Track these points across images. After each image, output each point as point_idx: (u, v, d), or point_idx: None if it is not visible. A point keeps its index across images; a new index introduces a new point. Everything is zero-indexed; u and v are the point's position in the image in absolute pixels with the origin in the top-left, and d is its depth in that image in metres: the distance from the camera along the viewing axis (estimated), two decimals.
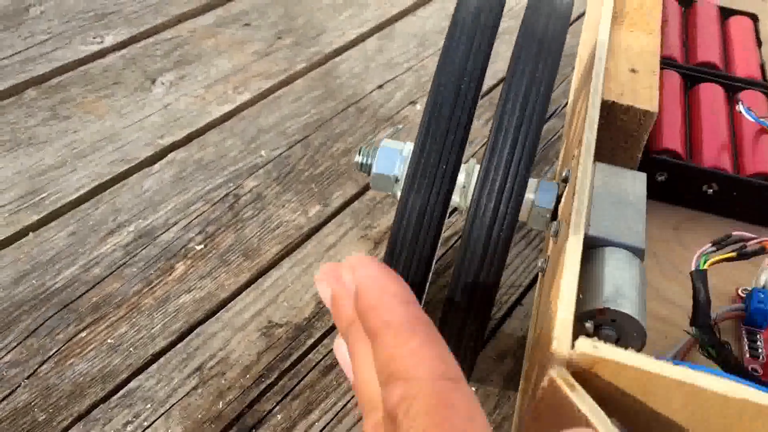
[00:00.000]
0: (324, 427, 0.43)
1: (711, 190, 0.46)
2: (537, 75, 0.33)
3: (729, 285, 0.43)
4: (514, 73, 0.33)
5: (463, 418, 0.22)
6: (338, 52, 0.77)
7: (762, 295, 0.40)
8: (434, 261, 0.35)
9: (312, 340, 0.48)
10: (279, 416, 0.43)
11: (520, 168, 0.32)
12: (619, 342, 0.36)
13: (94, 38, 0.73)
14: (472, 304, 0.34)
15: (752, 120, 0.46)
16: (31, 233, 0.53)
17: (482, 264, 0.33)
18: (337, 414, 0.44)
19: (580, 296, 0.36)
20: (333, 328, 0.49)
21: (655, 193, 0.47)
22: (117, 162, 0.60)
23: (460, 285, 0.33)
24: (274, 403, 0.44)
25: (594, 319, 0.35)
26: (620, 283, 0.36)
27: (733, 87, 0.53)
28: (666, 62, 0.53)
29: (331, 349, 0.47)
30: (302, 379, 0.45)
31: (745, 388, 0.28)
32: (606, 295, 0.35)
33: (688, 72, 0.53)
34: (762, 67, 0.56)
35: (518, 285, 0.53)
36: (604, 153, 0.46)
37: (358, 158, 0.43)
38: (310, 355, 0.47)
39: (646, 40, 0.48)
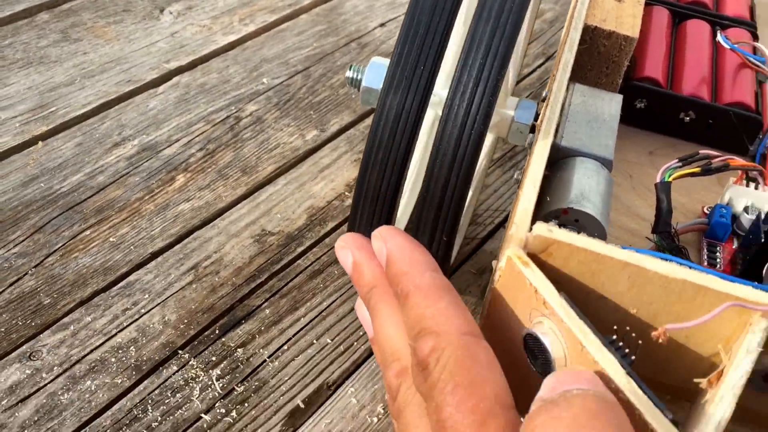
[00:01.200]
0: (308, 323, 0.46)
1: (688, 118, 0.48)
2: None
3: (697, 204, 0.45)
4: None
5: (484, 367, 0.27)
6: None
7: (724, 211, 0.42)
8: (410, 162, 0.37)
9: (302, 248, 0.51)
10: (267, 311, 0.46)
11: (492, 71, 0.35)
12: None
13: None
14: (444, 199, 0.36)
15: (728, 47, 0.48)
16: (40, 142, 0.56)
17: (454, 160, 0.35)
18: (321, 312, 0.47)
19: (548, 199, 0.39)
20: (322, 238, 0.52)
21: (634, 119, 0.49)
22: (123, 82, 0.63)
23: (433, 181, 0.36)
24: (263, 300, 0.47)
25: (558, 219, 0.38)
26: (585, 188, 0.39)
27: (720, 24, 0.54)
28: None
29: (320, 256, 0.50)
30: (290, 281, 0.48)
31: (685, 269, 0.31)
32: (571, 197, 0.38)
33: (677, 8, 0.55)
34: (751, 8, 0.57)
35: (502, 209, 0.56)
36: (588, 77, 0.48)
37: (349, 73, 0.45)
38: (299, 261, 0.50)
39: None
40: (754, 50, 0.52)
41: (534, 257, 0.33)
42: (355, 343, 0.45)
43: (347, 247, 0.35)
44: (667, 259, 0.32)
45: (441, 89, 0.43)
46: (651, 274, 0.31)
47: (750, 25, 0.55)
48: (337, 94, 0.65)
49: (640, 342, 0.31)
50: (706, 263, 0.41)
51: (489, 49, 0.35)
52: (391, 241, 0.33)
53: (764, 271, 0.37)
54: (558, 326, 0.30)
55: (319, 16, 0.75)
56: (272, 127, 0.61)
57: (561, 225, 0.38)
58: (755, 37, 0.54)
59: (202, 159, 0.57)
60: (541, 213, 0.39)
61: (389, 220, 0.38)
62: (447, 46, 0.36)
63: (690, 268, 0.31)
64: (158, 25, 0.70)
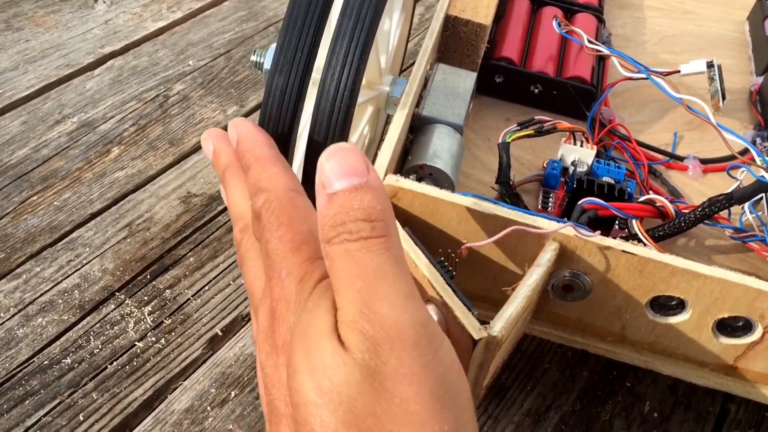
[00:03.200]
0: (226, 268, 0.55)
1: (537, 90, 0.58)
2: None
3: (540, 160, 0.55)
4: None
5: (302, 212, 0.35)
6: None
7: (555, 164, 0.52)
8: (297, 132, 0.46)
9: (221, 207, 0.60)
10: (191, 258, 0.55)
11: (355, 57, 0.44)
12: None
13: None
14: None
15: (558, 32, 0.58)
16: None
17: (328, 128, 0.45)
18: None
19: (410, 157, 0.49)
20: None
21: (494, 92, 0.59)
22: (62, 66, 0.70)
23: (312, 146, 0.45)
24: (188, 250, 0.56)
25: (416, 173, 0.48)
26: (438, 149, 0.48)
27: (571, 10, 0.64)
28: None
29: None
30: (212, 234, 0.57)
31: (496, 207, 0.41)
32: (426, 156, 0.48)
33: None
34: None
35: None
36: (454, 58, 0.57)
37: (253, 57, 0.54)
38: (219, 217, 0.59)
39: None
40: (597, 33, 0.63)
41: None
42: None
43: (209, 138, 0.42)
44: (485, 200, 0.42)
45: (319, 72, 0.53)
46: (472, 211, 0.41)
47: (596, 10, 0.65)
48: (256, 73, 0.74)
49: (457, 260, 0.41)
50: (540, 206, 0.52)
51: (351, 39, 0.44)
52: (240, 127, 0.41)
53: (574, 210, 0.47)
54: None
55: (240, 3, 0.83)
56: (197, 104, 0.69)
57: (419, 178, 0.48)
58: (601, 21, 0.64)
59: (135, 133, 0.65)
60: (403, 168, 0.48)
61: None
62: (321, 37, 0.46)
63: (509, 207, 0.41)
64: (93, 14, 0.77)
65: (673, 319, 0.43)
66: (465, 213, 0.42)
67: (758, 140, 0.59)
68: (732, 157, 0.53)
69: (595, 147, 0.53)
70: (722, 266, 0.48)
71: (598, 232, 0.41)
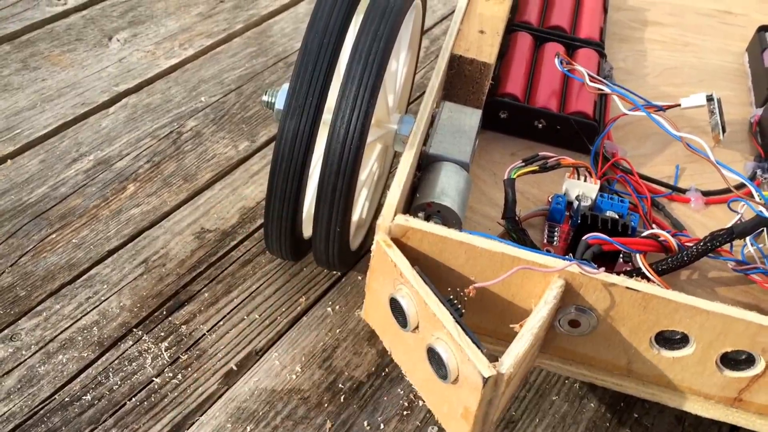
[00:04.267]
0: (240, 303, 0.57)
1: (540, 125, 0.60)
2: (379, 32, 0.46)
3: (545, 194, 0.57)
4: (362, 31, 0.46)
5: None
6: (272, 14, 0.89)
7: (560, 199, 0.54)
8: (308, 171, 0.48)
9: (235, 242, 0.61)
10: (206, 294, 0.57)
11: (363, 100, 0.46)
12: None
13: (58, 0, 0.84)
14: (334, 199, 0.47)
15: (560, 69, 0.59)
16: (9, 160, 0.65)
17: (339, 168, 0.46)
18: (251, 294, 0.57)
19: (417, 195, 0.50)
20: (252, 233, 0.62)
21: (499, 127, 0.61)
22: (79, 105, 0.72)
23: (324, 186, 0.47)
24: (203, 286, 0.57)
25: (425, 211, 0.49)
26: (446, 186, 0.50)
27: (573, 46, 0.66)
28: (522, 26, 0.67)
29: (250, 248, 0.61)
30: (225, 269, 0.59)
31: (502, 245, 0.43)
32: (433, 194, 0.49)
33: (538, 33, 0.66)
34: (601, 29, 0.69)
35: None
36: (459, 96, 0.59)
37: (265, 98, 0.56)
38: (232, 252, 0.60)
39: (497, 8, 0.62)
40: (599, 67, 0.64)
41: (397, 241, 0.44)
42: (279, 317, 0.56)
43: None
44: (492, 238, 0.43)
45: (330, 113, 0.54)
46: (479, 250, 0.43)
47: (598, 45, 0.67)
48: (266, 109, 0.75)
49: (465, 299, 0.42)
50: (545, 240, 0.53)
51: (360, 83, 0.46)
52: None
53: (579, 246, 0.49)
54: (411, 291, 0.41)
55: (250, 39, 0.85)
56: (209, 140, 0.71)
57: (428, 216, 0.50)
58: (602, 56, 0.66)
59: (149, 170, 0.67)
60: (412, 206, 0.50)
61: (294, 217, 0.49)
62: (332, 80, 0.47)
63: (515, 246, 0.43)
64: (107, 52, 0.80)
65: (678, 354, 0.44)
66: (473, 251, 0.43)
67: (758, 171, 0.60)
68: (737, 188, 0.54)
69: (598, 182, 0.54)
70: (725, 298, 0.50)
71: (603, 269, 0.43)
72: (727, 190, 0.56)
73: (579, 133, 0.59)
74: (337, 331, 0.56)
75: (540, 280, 0.43)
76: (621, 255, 0.51)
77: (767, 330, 0.41)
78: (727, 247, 0.51)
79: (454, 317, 0.40)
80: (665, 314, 0.42)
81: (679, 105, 0.61)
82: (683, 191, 0.58)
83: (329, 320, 0.56)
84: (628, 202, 0.54)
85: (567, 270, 0.42)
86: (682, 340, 0.44)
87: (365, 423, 0.50)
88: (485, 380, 0.37)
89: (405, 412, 0.51)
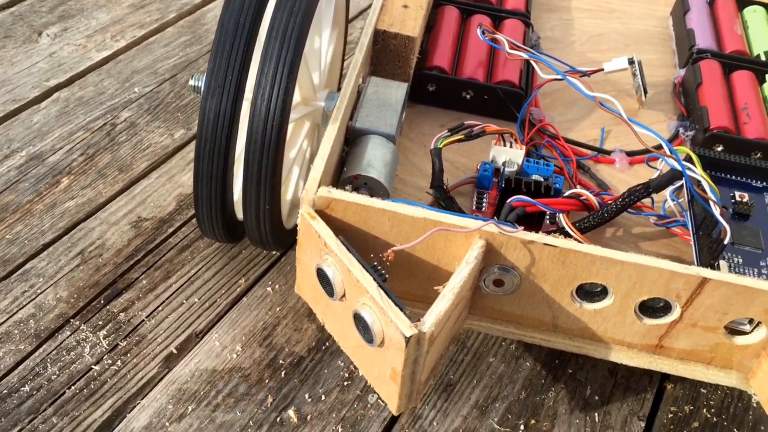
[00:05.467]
0: (179, 288, 0.57)
1: (468, 96, 0.61)
2: (295, 8, 0.47)
3: (474, 163, 0.58)
4: (278, 7, 0.47)
5: None
6: (206, 2, 0.89)
7: (487, 166, 0.55)
8: (234, 151, 0.48)
9: (172, 229, 0.61)
10: (144, 281, 0.57)
11: (283, 77, 0.46)
12: None
13: None
14: (260, 177, 0.48)
15: (482, 39, 0.60)
16: None
17: (263, 146, 0.47)
18: (190, 278, 0.58)
19: (345, 169, 0.51)
20: (190, 219, 0.62)
21: (428, 100, 0.62)
22: (9, 102, 0.71)
23: (249, 165, 0.47)
24: (140, 273, 0.57)
25: (352, 184, 0.50)
26: (372, 159, 0.51)
27: (499, 17, 0.67)
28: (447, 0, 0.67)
29: (188, 234, 0.61)
30: (163, 256, 0.59)
31: (423, 210, 0.43)
32: (359, 166, 0.50)
33: (465, 6, 0.67)
34: (527, 0, 0.71)
35: None
36: (387, 70, 0.59)
37: (191, 82, 0.56)
38: (170, 239, 0.60)
39: None
40: (524, 37, 0.65)
41: (322, 213, 0.45)
42: (218, 300, 0.57)
43: None
44: (413, 204, 0.44)
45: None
46: (402, 216, 0.44)
47: (524, 15, 0.68)
48: (195, 94, 0.75)
49: (388, 263, 0.43)
50: (474, 207, 0.54)
51: (279, 59, 0.46)
52: None
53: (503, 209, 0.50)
54: (335, 260, 0.42)
55: (183, 28, 0.84)
56: (144, 130, 0.71)
57: (355, 188, 0.51)
58: (528, 25, 0.67)
59: (84, 162, 0.66)
60: (339, 180, 0.51)
61: (224, 199, 0.49)
62: (251, 58, 0.48)
63: (432, 211, 0.44)
64: (37, 48, 0.79)
65: (598, 305, 0.45)
66: (396, 218, 0.44)
67: (681, 130, 0.62)
68: (657, 148, 0.56)
69: (524, 147, 0.55)
70: (649, 252, 0.51)
71: (522, 228, 0.44)
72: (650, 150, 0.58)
73: (506, 102, 0.61)
74: (278, 309, 0.56)
75: (462, 242, 0.44)
76: (547, 216, 0.52)
77: (679, 276, 0.42)
78: (649, 203, 0.53)
79: (377, 282, 0.40)
80: (583, 267, 0.43)
81: (603, 69, 0.63)
82: (608, 152, 0.60)
83: (269, 299, 0.57)
84: (553, 166, 0.55)
85: (486, 230, 0.43)
86: (602, 293, 0.45)
87: (306, 395, 0.51)
88: (407, 339, 0.38)
89: (346, 383, 0.52)
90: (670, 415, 0.53)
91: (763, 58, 0.67)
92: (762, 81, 0.64)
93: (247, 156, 0.47)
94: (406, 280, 0.47)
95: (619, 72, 0.63)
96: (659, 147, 0.54)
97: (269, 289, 0.58)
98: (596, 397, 0.53)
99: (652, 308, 0.45)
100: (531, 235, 0.43)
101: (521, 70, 0.62)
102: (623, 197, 0.49)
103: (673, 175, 0.48)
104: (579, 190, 0.51)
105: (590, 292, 0.46)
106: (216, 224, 0.51)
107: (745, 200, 0.53)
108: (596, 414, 0.52)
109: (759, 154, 0.58)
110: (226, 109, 0.47)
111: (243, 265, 0.59)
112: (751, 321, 0.45)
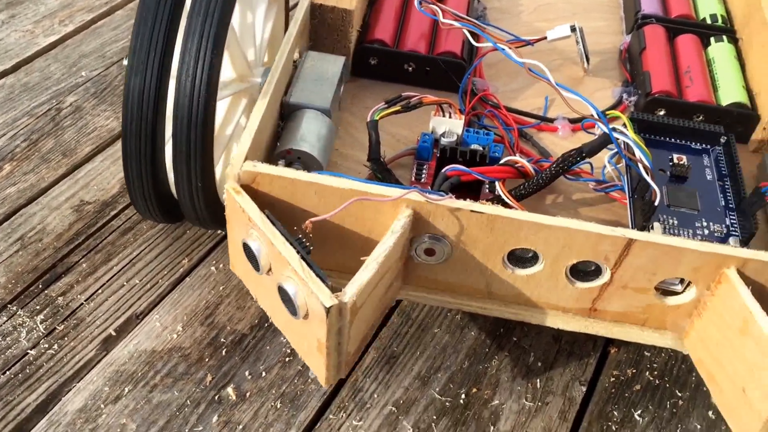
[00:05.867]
0: (120, 270, 0.56)
1: (410, 68, 0.60)
2: None
3: (415, 135, 0.57)
4: None
5: None
6: None
7: (427, 137, 0.54)
8: (163, 128, 0.48)
9: (115, 211, 0.61)
10: (84, 264, 0.56)
11: (207, 52, 0.45)
12: None
13: None
14: (190, 154, 0.47)
15: (419, 10, 0.60)
16: None
17: (189, 122, 0.46)
18: (132, 260, 0.57)
19: (278, 144, 0.50)
20: None
21: (370, 73, 0.61)
22: None
23: (178, 141, 0.47)
24: (81, 257, 0.57)
25: (285, 158, 0.49)
26: (305, 133, 0.50)
27: None
28: None
29: (130, 216, 0.60)
30: (105, 239, 0.58)
31: (348, 181, 0.43)
32: (293, 140, 0.49)
33: None
34: None
35: None
36: (326, 44, 0.59)
37: (125, 62, 0.55)
38: (112, 222, 0.60)
39: None
40: (469, 8, 0.65)
41: (249, 188, 0.44)
42: (161, 281, 0.56)
43: None
44: (339, 176, 0.44)
45: None
46: (328, 188, 0.43)
47: None
48: None
49: (310, 235, 0.42)
50: (414, 178, 0.54)
51: (202, 35, 0.46)
52: None
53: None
54: (259, 233, 0.42)
55: (133, 11, 0.83)
56: (90, 114, 0.70)
57: (289, 162, 0.50)
58: None
59: (27, 148, 0.66)
60: (273, 155, 0.50)
61: (156, 177, 0.49)
62: (176, 35, 0.47)
63: (355, 181, 0.43)
64: None
65: (530, 271, 0.45)
66: (323, 191, 0.43)
67: (624, 96, 0.61)
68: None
69: (463, 117, 0.55)
70: (588, 217, 0.51)
71: (450, 195, 0.43)
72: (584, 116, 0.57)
73: (448, 73, 0.60)
74: (221, 288, 0.56)
75: (391, 213, 0.44)
76: (486, 185, 0.52)
77: (605, 238, 0.42)
78: (588, 169, 0.53)
79: (299, 254, 0.40)
80: (511, 233, 0.43)
81: (546, 38, 0.62)
82: (551, 120, 0.59)
83: (213, 279, 0.57)
84: (493, 135, 0.54)
85: (413, 199, 0.43)
86: (533, 258, 0.45)
87: (246, 373, 0.51)
88: (328, 310, 0.37)
89: (287, 359, 0.52)
90: (612, 379, 0.53)
91: (708, 21, 0.67)
92: (707, 44, 0.64)
93: (174, 133, 0.47)
94: (340, 252, 0.47)
95: (566, 40, 0.63)
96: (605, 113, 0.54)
97: (213, 268, 0.57)
98: (539, 364, 0.53)
99: (583, 272, 0.45)
100: (457, 203, 0.43)
101: (464, 41, 0.62)
102: (557, 163, 0.49)
103: (605, 139, 0.48)
104: (514, 157, 0.50)
105: (522, 258, 0.45)
106: (150, 204, 0.50)
107: (682, 162, 0.52)
108: (538, 380, 0.52)
109: (701, 117, 0.58)
110: (151, 86, 0.46)
111: (187, 245, 0.59)
112: (682, 281, 0.45)
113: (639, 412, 0.51)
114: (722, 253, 0.42)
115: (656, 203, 0.46)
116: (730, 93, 0.59)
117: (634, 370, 0.53)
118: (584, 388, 0.52)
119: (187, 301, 0.55)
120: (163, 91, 0.47)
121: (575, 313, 0.47)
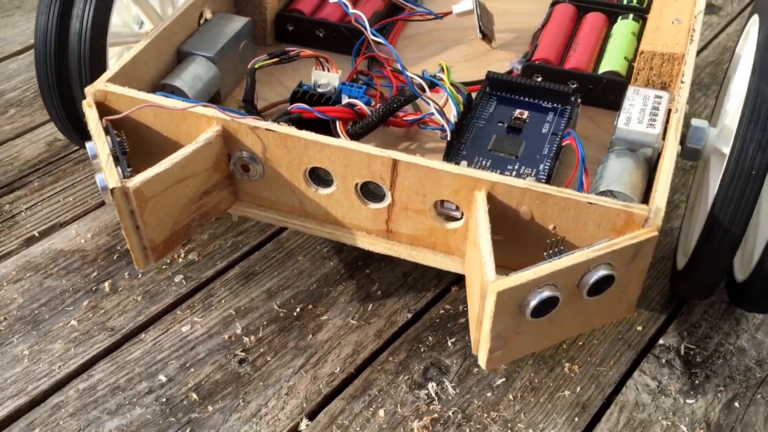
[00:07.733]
0: (61, 190, 0.68)
1: (321, 34, 0.68)
2: None
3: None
4: None
5: None
6: None
7: (305, 86, 0.61)
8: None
9: (78, 147, 0.73)
10: (36, 183, 0.69)
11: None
12: None
13: None
14: (82, 83, 0.58)
15: None
16: None
17: (80, 60, 0.57)
18: (73, 183, 0.69)
19: (162, 81, 0.60)
20: None
21: (289, 39, 0.69)
22: None
23: (72, 70, 0.57)
24: (36, 177, 0.69)
25: (163, 91, 0.59)
26: (184, 73, 0.59)
27: None
28: None
29: None
30: (61, 167, 0.70)
31: (176, 101, 0.51)
32: (170, 77, 0.59)
33: None
34: None
35: None
36: (246, 11, 0.68)
37: None
38: (72, 155, 0.72)
39: None
40: None
41: (102, 105, 0.53)
42: (90, 200, 0.67)
43: None
44: (172, 97, 0.52)
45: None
46: (157, 106, 0.52)
47: None
48: None
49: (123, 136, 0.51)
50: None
51: None
52: None
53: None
54: (96, 137, 0.51)
55: None
56: None
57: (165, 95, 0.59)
58: None
59: (33, 98, 0.80)
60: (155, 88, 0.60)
61: (63, 100, 0.60)
62: None
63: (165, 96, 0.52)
64: None
65: (327, 191, 0.51)
66: (156, 109, 0.52)
67: (516, 65, 0.65)
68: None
69: (339, 71, 0.61)
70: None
71: (253, 117, 0.51)
72: (476, 82, 0.62)
73: (351, 39, 0.67)
74: None
75: (207, 128, 0.51)
76: (338, 127, 0.58)
77: (375, 158, 0.47)
78: (439, 120, 0.58)
79: (114, 150, 0.49)
80: (302, 152, 0.49)
81: (451, 12, 0.68)
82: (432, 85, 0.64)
83: None
84: (366, 88, 0.61)
85: (221, 117, 0.50)
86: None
87: (126, 273, 0.60)
88: (111, 191, 0.46)
89: (164, 266, 0.61)
90: (441, 311, 0.57)
91: (624, 1, 0.69)
92: (614, 22, 0.67)
93: (70, 64, 0.58)
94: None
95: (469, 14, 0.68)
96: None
97: None
98: (379, 293, 0.58)
99: (374, 194, 0.50)
100: (256, 122, 0.50)
101: (375, 12, 0.68)
102: (385, 105, 0.55)
103: (421, 86, 0.54)
104: (353, 100, 0.57)
105: (324, 179, 0.51)
106: (65, 125, 0.61)
107: (523, 117, 0.56)
108: (371, 305, 0.57)
109: (576, 84, 0.61)
110: (53, 25, 0.57)
111: None
112: (458, 208, 0.49)
113: (453, 340, 0.55)
114: (473, 176, 0.46)
115: (448, 138, 0.50)
116: (609, 63, 0.62)
117: (465, 307, 0.57)
118: (410, 315, 0.57)
119: (107, 218, 0.65)
120: (66, 29, 0.58)
121: (377, 235, 0.52)
